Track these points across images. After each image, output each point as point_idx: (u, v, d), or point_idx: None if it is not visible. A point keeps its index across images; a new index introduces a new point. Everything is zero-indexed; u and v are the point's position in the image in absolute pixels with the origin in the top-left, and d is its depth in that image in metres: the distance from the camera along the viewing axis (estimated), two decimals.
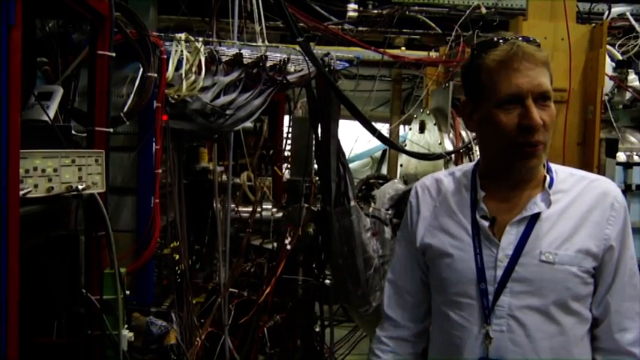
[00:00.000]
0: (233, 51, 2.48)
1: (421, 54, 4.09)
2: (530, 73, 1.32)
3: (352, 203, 2.75)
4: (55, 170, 1.50)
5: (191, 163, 2.99)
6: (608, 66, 3.17)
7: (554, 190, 1.42)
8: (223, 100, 2.36)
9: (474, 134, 2.85)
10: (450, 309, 1.45)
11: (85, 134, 1.79)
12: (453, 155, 3.02)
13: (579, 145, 3.00)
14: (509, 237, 1.39)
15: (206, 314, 2.75)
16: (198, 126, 2.33)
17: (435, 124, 3.28)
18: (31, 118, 1.74)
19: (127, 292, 1.84)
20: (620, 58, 3.38)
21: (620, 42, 3.56)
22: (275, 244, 3.02)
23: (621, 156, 3.17)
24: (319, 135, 2.82)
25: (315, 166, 3.00)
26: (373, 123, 2.70)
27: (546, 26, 2.95)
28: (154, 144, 2.14)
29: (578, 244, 1.37)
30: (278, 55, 2.56)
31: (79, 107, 2.08)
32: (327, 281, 3.07)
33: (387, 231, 2.91)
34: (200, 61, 2.26)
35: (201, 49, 2.27)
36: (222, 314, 2.79)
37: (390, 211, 3.00)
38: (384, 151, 6.44)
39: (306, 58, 2.51)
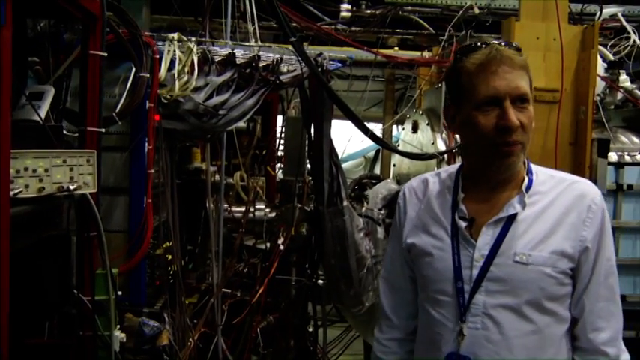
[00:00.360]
0: (226, 51, 2.48)
1: (414, 54, 4.11)
2: (507, 76, 1.35)
3: (345, 203, 2.76)
4: (46, 170, 1.49)
5: (184, 163, 2.98)
6: (600, 66, 3.19)
7: (533, 191, 1.44)
8: (216, 100, 2.36)
9: None
10: (431, 306, 1.48)
11: (77, 134, 1.78)
12: (445, 155, 3.04)
13: (571, 145, 3.02)
14: (486, 237, 1.42)
15: (199, 314, 2.75)
16: (190, 126, 2.32)
17: (427, 124, 3.30)
18: (22, 118, 1.73)
19: (120, 293, 1.83)
20: (612, 58, 3.40)
21: (611, 43, 3.59)
22: (268, 244, 3.02)
23: (613, 156, 3.18)
24: (312, 135, 2.82)
25: (308, 166, 3.01)
26: (366, 123, 2.71)
27: (538, 27, 2.97)
28: (146, 144, 2.14)
29: (553, 246, 1.39)
30: (271, 55, 2.56)
31: (71, 107, 2.07)
32: (320, 281, 3.08)
33: (380, 231, 2.91)
34: (193, 61, 2.25)
35: (194, 49, 2.26)
36: (215, 314, 2.79)
37: (382, 211, 3.01)
38: (377, 152, 6.46)
39: (299, 58, 2.51)
